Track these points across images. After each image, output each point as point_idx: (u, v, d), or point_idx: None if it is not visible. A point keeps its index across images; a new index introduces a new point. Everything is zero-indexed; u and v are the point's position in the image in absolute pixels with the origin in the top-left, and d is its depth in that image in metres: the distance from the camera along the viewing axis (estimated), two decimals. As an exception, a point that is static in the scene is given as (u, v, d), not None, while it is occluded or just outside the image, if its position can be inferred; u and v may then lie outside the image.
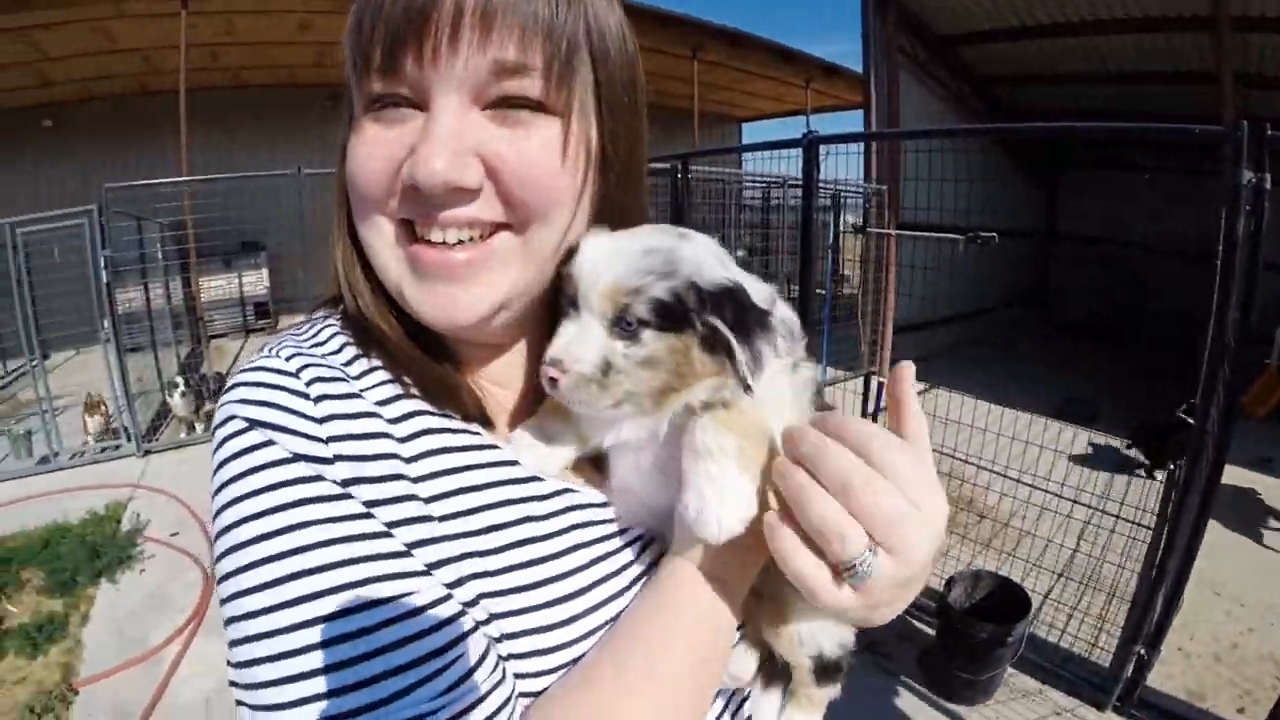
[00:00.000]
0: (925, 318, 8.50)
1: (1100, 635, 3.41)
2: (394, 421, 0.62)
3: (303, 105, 14.15)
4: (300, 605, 0.51)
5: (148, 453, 6.74)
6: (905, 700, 3.18)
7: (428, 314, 0.62)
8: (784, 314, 0.64)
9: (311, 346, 0.65)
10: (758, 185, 9.34)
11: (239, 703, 0.53)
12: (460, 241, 0.61)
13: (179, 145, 10.06)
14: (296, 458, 0.56)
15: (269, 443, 0.56)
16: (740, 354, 0.56)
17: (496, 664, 0.58)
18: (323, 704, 0.50)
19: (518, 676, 0.60)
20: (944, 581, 3.34)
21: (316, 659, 0.51)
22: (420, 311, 0.62)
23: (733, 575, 0.61)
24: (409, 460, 0.61)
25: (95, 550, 4.65)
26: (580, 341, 0.59)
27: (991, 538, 4.40)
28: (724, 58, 14.12)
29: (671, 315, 0.58)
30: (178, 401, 7.07)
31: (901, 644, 3.51)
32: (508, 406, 0.73)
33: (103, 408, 6.86)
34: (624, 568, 0.69)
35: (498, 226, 0.61)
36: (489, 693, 0.55)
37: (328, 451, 0.57)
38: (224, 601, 0.54)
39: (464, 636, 0.56)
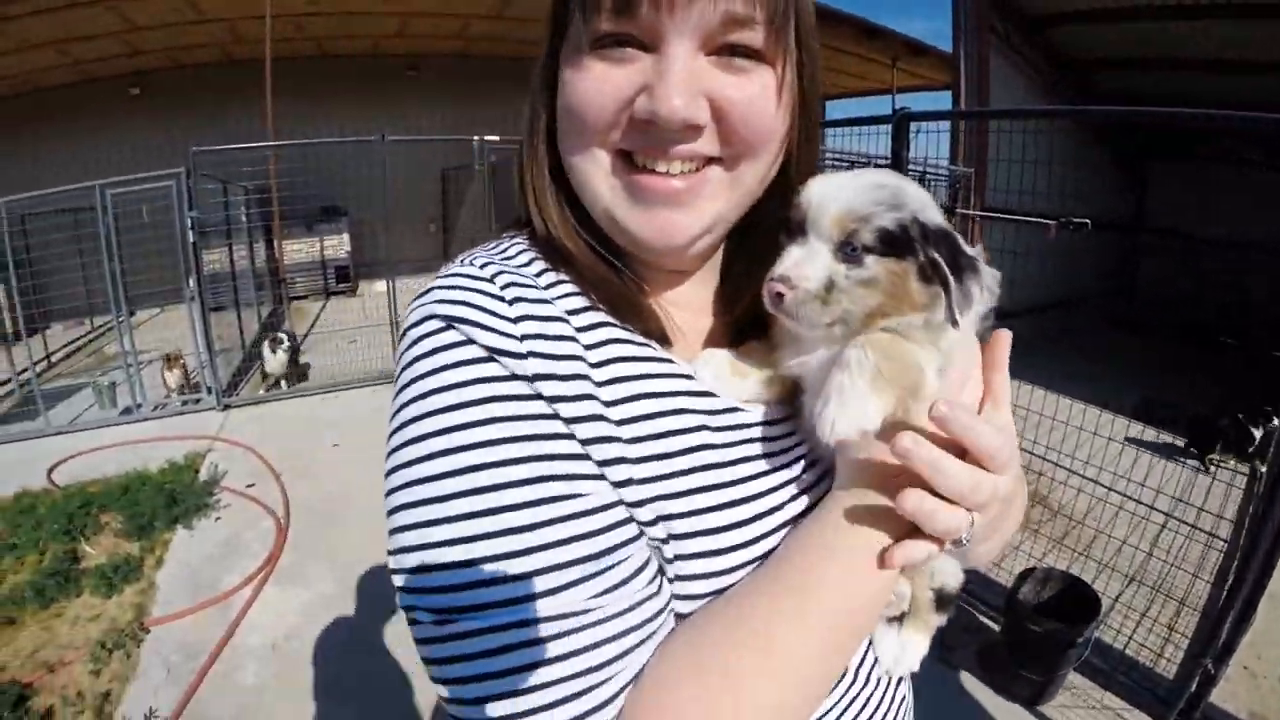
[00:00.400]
0: (1007, 306, 8.29)
1: (1166, 646, 3.28)
2: (581, 330, 0.66)
3: (385, 74, 14.49)
4: (473, 496, 0.56)
5: (227, 407, 7.02)
6: (963, 694, 3.12)
7: (646, 236, 0.67)
8: (988, 270, 0.67)
9: (503, 259, 0.69)
10: (842, 163, 9.16)
11: (398, 588, 0.58)
12: (680, 172, 0.65)
13: (264, 112, 10.33)
14: (491, 355, 0.60)
15: (467, 340, 0.60)
16: (955, 289, 0.61)
17: (655, 575, 0.62)
18: (476, 591, 0.54)
19: (685, 579, 0.64)
20: (1014, 577, 3.26)
21: (477, 549, 0.55)
22: (639, 234, 0.67)
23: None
24: (594, 365, 0.65)
25: (173, 497, 4.85)
26: (808, 261, 0.64)
27: (1064, 535, 4.27)
28: (808, 33, 13.89)
29: (895, 244, 0.63)
30: (279, 356, 7.34)
31: (964, 637, 3.44)
32: (685, 328, 0.76)
33: (182, 362, 7.14)
34: (789, 482, 0.72)
35: (709, 160, 0.66)
36: (642, 602, 0.59)
37: (522, 348, 0.60)
38: (394, 490, 0.59)
39: (627, 543, 0.60)
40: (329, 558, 4.25)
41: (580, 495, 0.58)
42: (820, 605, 0.60)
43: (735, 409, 0.72)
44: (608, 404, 0.63)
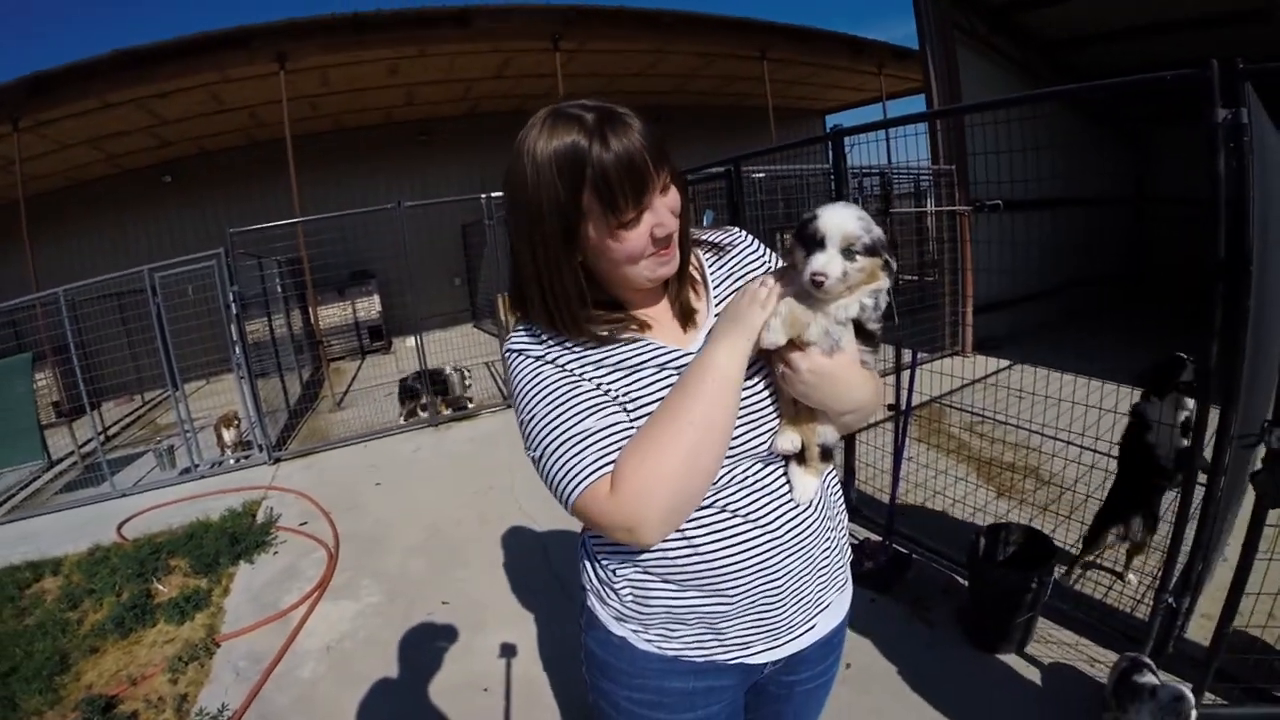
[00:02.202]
0: (1011, 295, 8.46)
1: (1147, 593, 3.37)
2: (571, 339, 1.24)
3: (398, 140, 15.17)
4: (540, 400, 1.19)
5: (277, 460, 7.52)
6: (945, 650, 3.30)
7: (664, 273, 1.23)
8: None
9: (531, 327, 1.28)
10: (791, 178, 9.12)
11: (540, 471, 1.20)
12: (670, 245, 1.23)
13: (289, 188, 10.83)
14: (537, 359, 1.23)
15: (524, 355, 1.24)
16: (893, 271, 1.16)
17: (622, 413, 1.20)
18: (551, 432, 1.17)
19: (640, 416, 1.21)
20: (974, 535, 3.46)
21: (559, 428, 1.16)
22: (659, 274, 1.23)
23: (740, 347, 1.16)
24: (585, 353, 1.24)
25: (234, 538, 5.30)
26: (832, 263, 1.10)
27: (1050, 503, 4.49)
28: (792, 54, 14.19)
29: (870, 250, 1.11)
30: (460, 383, 8.53)
31: (941, 597, 3.67)
32: (657, 320, 1.31)
33: (237, 421, 7.72)
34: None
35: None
36: (619, 423, 1.18)
37: (546, 355, 1.23)
38: (520, 426, 1.23)
39: (605, 404, 1.19)
40: (374, 575, 4.66)
41: (581, 390, 1.19)
42: (699, 387, 1.13)
43: (670, 350, 1.26)
44: (588, 359, 1.22)
